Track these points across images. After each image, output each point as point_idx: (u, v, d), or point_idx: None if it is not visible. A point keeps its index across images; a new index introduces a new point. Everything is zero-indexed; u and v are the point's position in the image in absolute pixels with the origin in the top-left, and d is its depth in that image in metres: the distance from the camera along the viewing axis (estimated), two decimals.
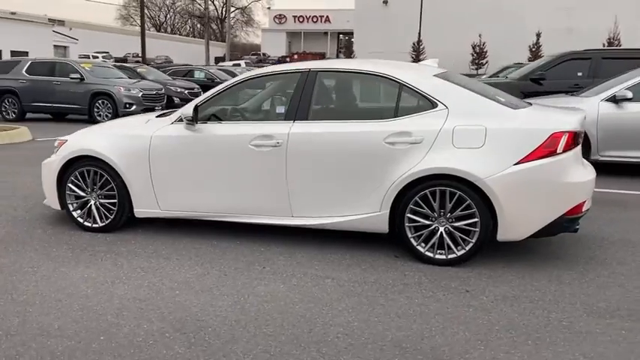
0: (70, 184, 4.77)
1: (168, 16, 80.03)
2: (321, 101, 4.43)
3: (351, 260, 4.14)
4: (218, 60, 50.69)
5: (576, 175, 3.88)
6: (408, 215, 4.01)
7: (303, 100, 4.28)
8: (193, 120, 4.39)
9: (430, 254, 4.01)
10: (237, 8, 66.62)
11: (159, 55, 53.25)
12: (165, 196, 4.56)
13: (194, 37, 75.66)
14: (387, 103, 4.24)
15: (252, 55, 53.87)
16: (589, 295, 3.53)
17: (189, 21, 79.54)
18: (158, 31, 75.98)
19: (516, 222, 3.85)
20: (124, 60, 41.95)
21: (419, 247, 4.04)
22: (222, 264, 4.06)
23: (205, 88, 18.07)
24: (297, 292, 3.57)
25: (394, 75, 4.17)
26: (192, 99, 6.84)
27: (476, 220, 3.86)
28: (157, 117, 4.76)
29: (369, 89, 4.53)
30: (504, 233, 3.88)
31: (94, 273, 3.88)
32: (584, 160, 4.63)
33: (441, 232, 3.96)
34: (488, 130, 3.86)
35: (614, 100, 7.26)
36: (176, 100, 17.34)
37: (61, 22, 48.89)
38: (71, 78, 14.40)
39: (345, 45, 53.34)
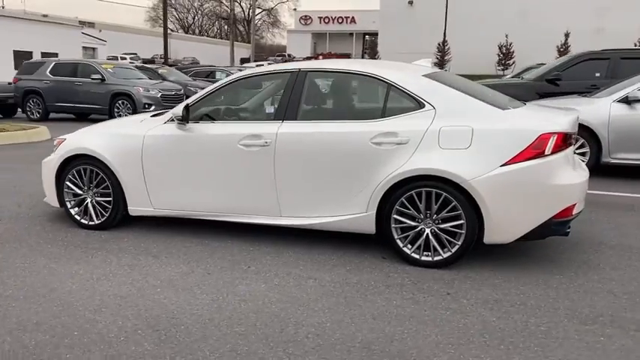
0: (67, 182, 4.87)
1: (196, 17, 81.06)
2: (310, 101, 4.42)
3: (337, 261, 4.12)
4: (243, 61, 51.11)
5: (566, 177, 3.79)
6: (395, 216, 3.97)
7: (293, 100, 4.28)
8: (184, 119, 4.43)
9: (416, 256, 3.97)
10: (263, 10, 67.11)
11: (186, 56, 54.00)
12: (157, 195, 4.61)
13: (221, 38, 76.41)
14: (376, 104, 4.21)
15: (277, 56, 54.10)
16: (574, 300, 3.45)
17: (216, 23, 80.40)
18: (186, 32, 76.99)
19: (503, 224, 3.78)
20: (152, 61, 42.61)
21: (405, 249, 4.00)
22: (209, 263, 4.09)
23: None
24: (277, 291, 3.57)
25: (382, 75, 4.14)
26: None
27: (462, 222, 3.81)
28: (151, 116, 4.82)
29: (358, 89, 4.50)
30: (491, 236, 3.82)
31: (81, 269, 3.95)
32: (580, 161, 4.54)
33: (427, 234, 3.92)
34: (475, 131, 3.80)
35: (627, 101, 7.07)
36: None
37: (91, 24, 49.97)
38: (92, 79, 14.70)
39: (369, 46, 53.18)
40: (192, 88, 17.92)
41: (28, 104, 15.46)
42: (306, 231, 4.67)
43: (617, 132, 7.04)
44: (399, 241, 4.01)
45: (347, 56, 51.37)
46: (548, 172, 3.72)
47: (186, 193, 4.52)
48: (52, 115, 15.70)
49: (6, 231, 4.84)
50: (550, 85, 9.80)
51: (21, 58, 20.78)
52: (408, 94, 4.03)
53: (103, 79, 14.70)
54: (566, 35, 36.53)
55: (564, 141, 3.80)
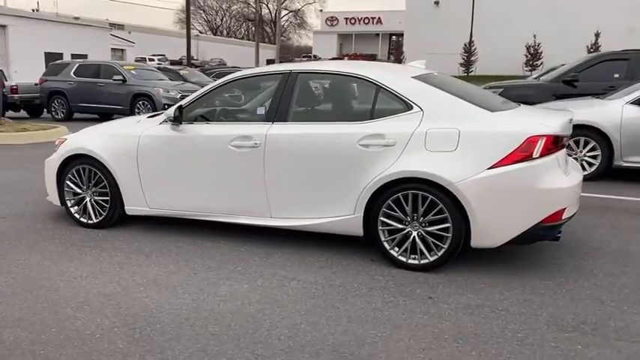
0: (67, 182, 4.98)
1: (225, 19, 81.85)
2: (301, 103, 4.42)
3: (325, 262, 4.11)
4: (269, 62, 51.40)
5: (555, 180, 3.70)
6: (382, 219, 3.94)
7: (283, 101, 4.29)
8: (177, 120, 4.49)
9: (403, 259, 3.94)
10: (290, 11, 67.37)
11: (213, 57, 54.56)
12: (152, 195, 4.67)
13: (248, 40, 77.00)
14: (365, 105, 4.20)
15: (303, 57, 54.23)
16: (558, 306, 3.37)
17: (243, 24, 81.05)
18: (214, 34, 77.80)
19: (490, 228, 3.72)
20: (179, 62, 43.16)
21: (392, 252, 3.97)
22: (197, 262, 4.12)
23: None
24: (258, 292, 3.58)
25: (370, 76, 4.12)
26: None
27: (448, 225, 3.76)
28: (148, 117, 4.89)
29: (348, 91, 4.48)
30: (478, 240, 3.76)
31: (72, 267, 4.02)
32: (575, 163, 4.45)
33: (414, 237, 3.88)
34: (462, 133, 3.75)
35: None
36: None
37: (121, 26, 50.89)
38: (114, 80, 14.97)
39: (395, 47, 52.90)
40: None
41: (53, 104, 15.85)
42: (298, 232, 4.66)
43: (630, 135, 6.84)
44: (386, 244, 3.98)
45: (373, 57, 51.21)
46: (536, 176, 3.65)
47: (179, 194, 4.57)
48: (76, 115, 16.04)
49: (9, 228, 4.97)
50: (567, 87, 9.61)
51: (52, 59, 21.31)
52: (396, 95, 4.00)
53: (124, 80, 14.96)
54: (597, 35, 35.71)
55: (554, 144, 3.72)
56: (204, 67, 31.07)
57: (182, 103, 4.58)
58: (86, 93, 15.39)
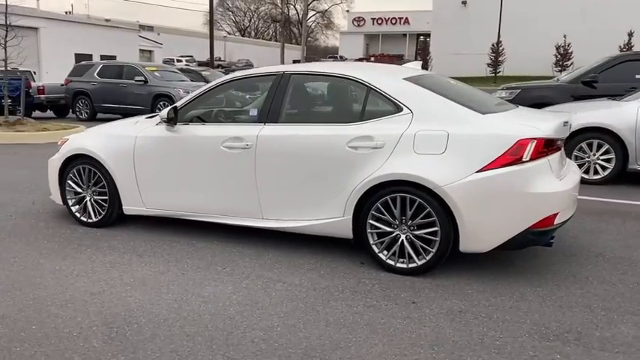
0: (69, 181, 5.06)
1: (253, 20, 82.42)
2: (293, 104, 4.40)
3: (314, 265, 4.09)
4: (295, 62, 51.60)
5: (546, 184, 3.60)
6: (370, 221, 3.90)
7: (275, 102, 4.28)
8: (171, 121, 4.52)
9: (392, 262, 3.88)
10: (317, 12, 67.43)
11: (240, 58, 55.02)
12: (148, 195, 4.72)
13: (276, 41, 77.35)
14: (355, 107, 4.16)
15: (329, 57, 54.24)
16: (544, 314, 3.27)
17: (271, 25, 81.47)
18: (242, 35, 78.43)
19: (478, 233, 3.64)
20: (207, 63, 43.63)
21: (381, 255, 3.92)
22: (187, 263, 4.14)
23: None
24: (241, 294, 3.58)
25: (362, 78, 4.08)
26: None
27: (436, 229, 3.69)
28: (146, 118, 4.94)
29: (340, 92, 4.44)
30: (467, 244, 3.68)
31: (65, 265, 4.09)
32: (574, 165, 4.34)
33: (402, 240, 3.83)
34: (451, 136, 3.68)
35: None
36: None
37: (150, 28, 51.72)
38: (136, 80, 15.20)
39: (421, 47, 52.48)
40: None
41: (78, 105, 16.19)
42: (292, 234, 4.64)
43: None
44: (374, 247, 3.93)
45: (399, 57, 50.88)
46: (526, 179, 3.56)
47: (174, 194, 4.60)
48: (100, 115, 16.34)
49: (13, 226, 5.08)
50: (586, 88, 9.37)
51: (82, 60, 21.79)
52: (386, 97, 3.95)
53: (146, 81, 15.18)
54: (630, 35, 34.80)
55: (546, 147, 3.62)
56: (231, 67, 31.38)
57: (177, 104, 4.61)
58: (109, 93, 15.67)
